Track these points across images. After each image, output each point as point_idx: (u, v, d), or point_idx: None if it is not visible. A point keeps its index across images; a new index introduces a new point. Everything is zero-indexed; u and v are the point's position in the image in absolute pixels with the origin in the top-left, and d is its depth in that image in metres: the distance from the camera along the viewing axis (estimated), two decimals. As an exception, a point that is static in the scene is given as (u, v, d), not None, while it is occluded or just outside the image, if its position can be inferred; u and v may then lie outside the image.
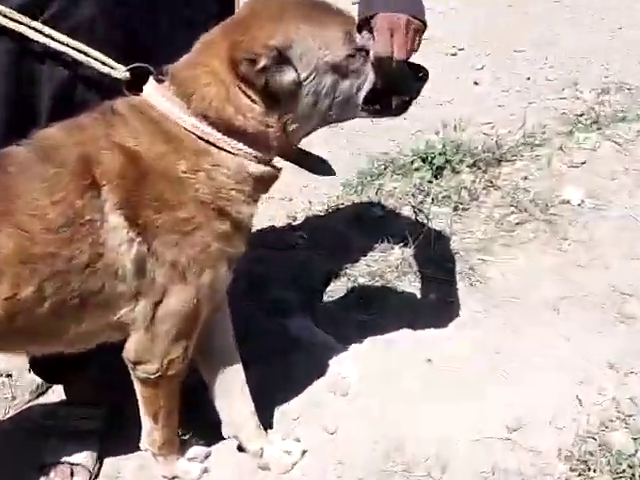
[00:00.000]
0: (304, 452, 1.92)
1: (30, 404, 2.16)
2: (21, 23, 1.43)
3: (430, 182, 2.96)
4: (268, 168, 1.49)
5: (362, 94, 1.47)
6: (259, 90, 1.37)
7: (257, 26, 1.38)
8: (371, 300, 2.44)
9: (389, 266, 2.54)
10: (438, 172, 3.01)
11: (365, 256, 2.62)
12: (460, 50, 4.00)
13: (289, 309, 2.39)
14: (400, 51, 1.40)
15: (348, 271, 2.55)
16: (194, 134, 1.41)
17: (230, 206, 1.47)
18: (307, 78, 1.40)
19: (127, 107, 1.46)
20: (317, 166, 1.73)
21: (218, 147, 1.42)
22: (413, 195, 2.88)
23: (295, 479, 1.89)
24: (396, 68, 1.42)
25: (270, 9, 1.43)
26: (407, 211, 2.81)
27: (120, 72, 1.47)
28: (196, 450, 1.94)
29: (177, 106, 1.42)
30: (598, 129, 3.28)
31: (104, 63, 1.48)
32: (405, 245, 2.60)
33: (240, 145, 1.42)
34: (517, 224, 2.76)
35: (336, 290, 2.50)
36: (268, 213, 2.80)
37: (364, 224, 2.78)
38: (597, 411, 1.90)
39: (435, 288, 2.46)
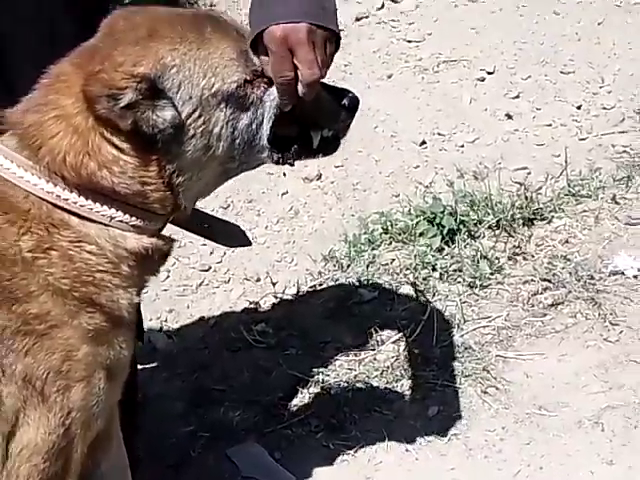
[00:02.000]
0: None
1: None
2: None
3: (439, 251, 2.75)
4: (154, 240, 1.37)
5: (265, 132, 1.38)
6: (127, 135, 1.26)
7: (119, 50, 1.26)
8: (348, 419, 2.29)
9: (376, 369, 2.39)
10: (449, 237, 2.79)
11: (346, 356, 2.46)
12: (490, 74, 3.63)
13: (239, 435, 2.30)
14: (310, 71, 1.28)
15: (321, 377, 2.38)
16: (45, 200, 1.30)
17: (100, 294, 1.34)
18: (191, 115, 1.30)
19: None
20: (225, 234, 1.62)
21: (80, 216, 1.31)
22: (415, 269, 2.69)
23: None
24: (308, 94, 1.32)
25: (136, 27, 1.32)
26: (406, 291, 2.64)
27: None
28: None
29: (20, 163, 1.31)
30: (669, 173, 3.11)
31: None
32: (400, 339, 2.49)
33: (112, 212, 1.31)
34: (552, 305, 2.58)
35: (303, 405, 2.35)
36: (221, 299, 2.71)
37: (348, 311, 2.59)
38: None
39: (437, 399, 2.32)
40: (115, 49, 1.26)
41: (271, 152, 1.40)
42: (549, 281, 2.60)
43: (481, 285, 2.62)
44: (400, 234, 2.82)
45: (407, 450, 2.17)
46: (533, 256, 2.74)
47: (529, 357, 2.41)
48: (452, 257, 2.71)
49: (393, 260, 2.75)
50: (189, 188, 1.37)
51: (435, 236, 2.75)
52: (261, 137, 1.36)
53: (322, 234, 2.95)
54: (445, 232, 2.75)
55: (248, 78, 1.32)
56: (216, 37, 1.34)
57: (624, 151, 3.22)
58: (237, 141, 1.35)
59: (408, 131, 3.32)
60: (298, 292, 2.73)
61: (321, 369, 2.42)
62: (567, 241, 2.77)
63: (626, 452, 2.16)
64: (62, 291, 1.28)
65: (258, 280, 2.76)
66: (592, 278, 2.58)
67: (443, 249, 2.74)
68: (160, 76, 1.25)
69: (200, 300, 2.72)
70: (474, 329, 2.50)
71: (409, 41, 3.56)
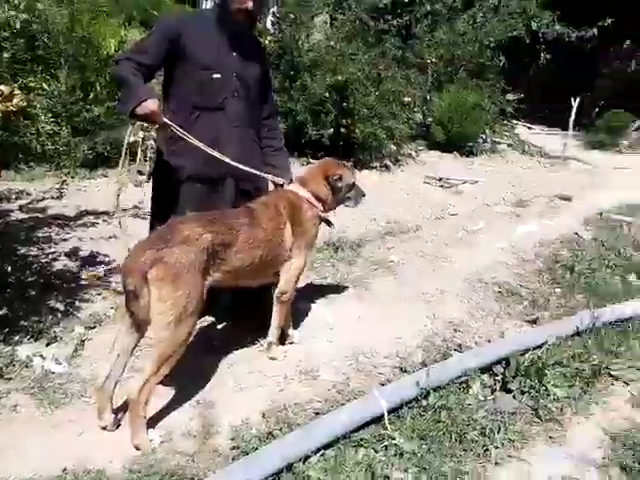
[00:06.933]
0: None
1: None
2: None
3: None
4: (324, 214, 2.98)
5: (351, 196, 3.09)
6: (331, 187, 2.96)
7: (330, 169, 3.01)
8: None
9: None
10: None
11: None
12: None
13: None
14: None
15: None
16: (307, 199, 2.90)
17: (315, 224, 2.95)
18: (344, 186, 3.02)
19: (286, 190, 2.94)
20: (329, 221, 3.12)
21: (314, 205, 2.91)
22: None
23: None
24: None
25: (332, 165, 3.09)
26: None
27: (281, 181, 3.02)
28: (296, 334, 3.13)
29: (302, 190, 2.92)
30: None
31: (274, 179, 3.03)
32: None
33: (319, 205, 2.93)
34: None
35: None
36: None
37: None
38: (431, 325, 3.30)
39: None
40: (329, 169, 3.00)
41: (349, 202, 3.07)
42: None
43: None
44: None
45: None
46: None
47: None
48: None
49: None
50: (337, 204, 3.04)
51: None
52: (350, 199, 3.07)
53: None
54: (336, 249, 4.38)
55: (354, 181, 3.07)
56: (349, 169, 3.11)
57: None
58: (343, 196, 3.03)
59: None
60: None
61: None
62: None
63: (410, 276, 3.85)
64: (310, 221, 2.90)
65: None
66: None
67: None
68: (341, 175, 2.97)
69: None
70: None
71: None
